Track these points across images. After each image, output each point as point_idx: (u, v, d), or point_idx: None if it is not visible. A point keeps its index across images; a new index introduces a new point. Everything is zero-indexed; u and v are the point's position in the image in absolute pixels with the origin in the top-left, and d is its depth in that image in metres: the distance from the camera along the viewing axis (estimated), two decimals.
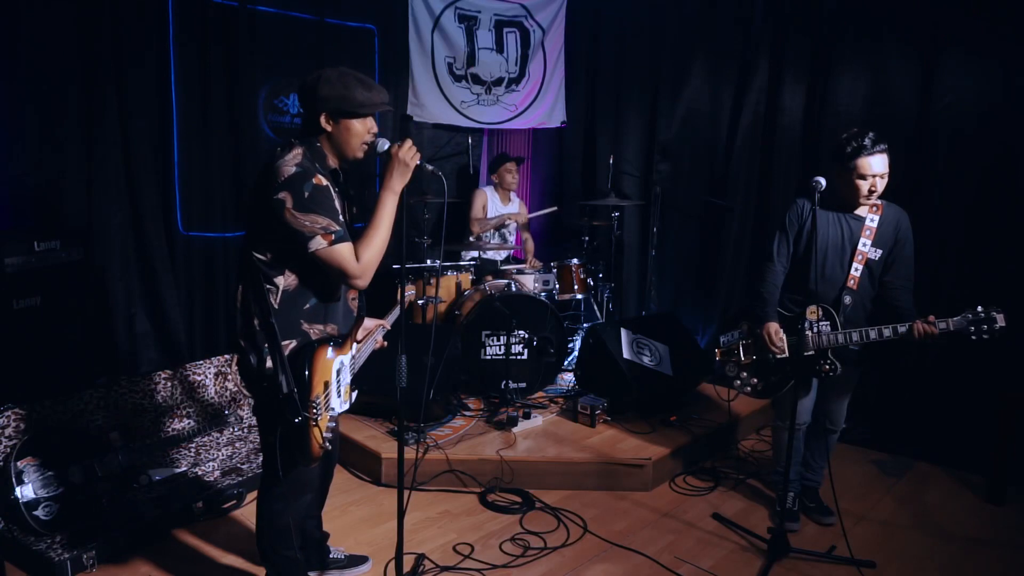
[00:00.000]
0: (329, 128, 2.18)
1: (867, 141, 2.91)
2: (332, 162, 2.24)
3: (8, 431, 2.98)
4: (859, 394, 4.26)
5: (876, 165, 2.93)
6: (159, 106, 3.95)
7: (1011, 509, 3.47)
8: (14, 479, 2.75)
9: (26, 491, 2.77)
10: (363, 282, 2.17)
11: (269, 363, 2.13)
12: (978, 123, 3.91)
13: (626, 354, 4.13)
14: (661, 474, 3.65)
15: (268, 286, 2.15)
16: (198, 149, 4.10)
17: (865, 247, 3.04)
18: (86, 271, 3.51)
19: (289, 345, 2.17)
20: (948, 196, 4.03)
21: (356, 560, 2.81)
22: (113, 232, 3.78)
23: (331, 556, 2.76)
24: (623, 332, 4.23)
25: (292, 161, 2.10)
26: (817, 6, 4.47)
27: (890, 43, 4.20)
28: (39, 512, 2.77)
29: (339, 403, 2.27)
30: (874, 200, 3.01)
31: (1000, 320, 2.78)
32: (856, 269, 3.03)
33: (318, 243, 2.07)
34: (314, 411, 2.14)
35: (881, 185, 2.96)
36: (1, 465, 2.81)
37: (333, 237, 2.08)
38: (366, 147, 2.23)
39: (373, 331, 2.55)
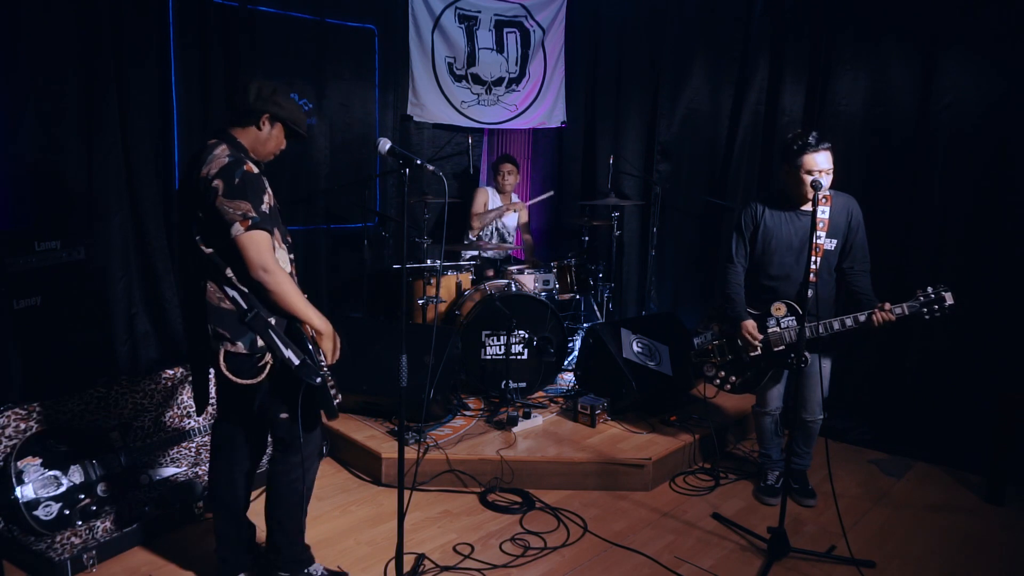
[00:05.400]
0: (263, 128, 2.38)
1: (811, 139, 3.08)
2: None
3: (8, 431, 2.98)
4: (859, 394, 4.32)
5: (820, 161, 3.07)
6: (160, 106, 3.95)
7: (1011, 509, 3.47)
8: (14, 479, 2.75)
9: (26, 491, 2.77)
10: (263, 276, 2.22)
11: (260, 341, 2.26)
12: (978, 123, 3.91)
13: (626, 354, 4.13)
14: (661, 474, 3.65)
15: (231, 275, 2.26)
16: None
17: (820, 239, 3.15)
18: (86, 271, 3.51)
19: (272, 319, 2.30)
20: (948, 195, 4.03)
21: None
22: (113, 232, 3.78)
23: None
24: (623, 332, 4.23)
25: (223, 154, 2.25)
26: (817, 6, 4.47)
27: (890, 43, 4.20)
28: (39, 512, 2.77)
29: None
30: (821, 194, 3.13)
31: (949, 298, 2.99)
32: (815, 262, 3.08)
33: (237, 229, 2.18)
34: (324, 369, 2.34)
35: (826, 181, 3.08)
36: (1, 465, 2.82)
37: (250, 223, 2.18)
38: (274, 156, 2.46)
39: None
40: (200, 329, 2.30)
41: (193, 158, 2.32)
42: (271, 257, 2.23)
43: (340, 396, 2.42)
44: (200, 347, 2.33)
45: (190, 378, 3.65)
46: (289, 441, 2.43)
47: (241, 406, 2.43)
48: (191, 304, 2.35)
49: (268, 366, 2.30)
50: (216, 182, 2.18)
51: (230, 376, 2.28)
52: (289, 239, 2.46)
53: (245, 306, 2.26)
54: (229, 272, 2.26)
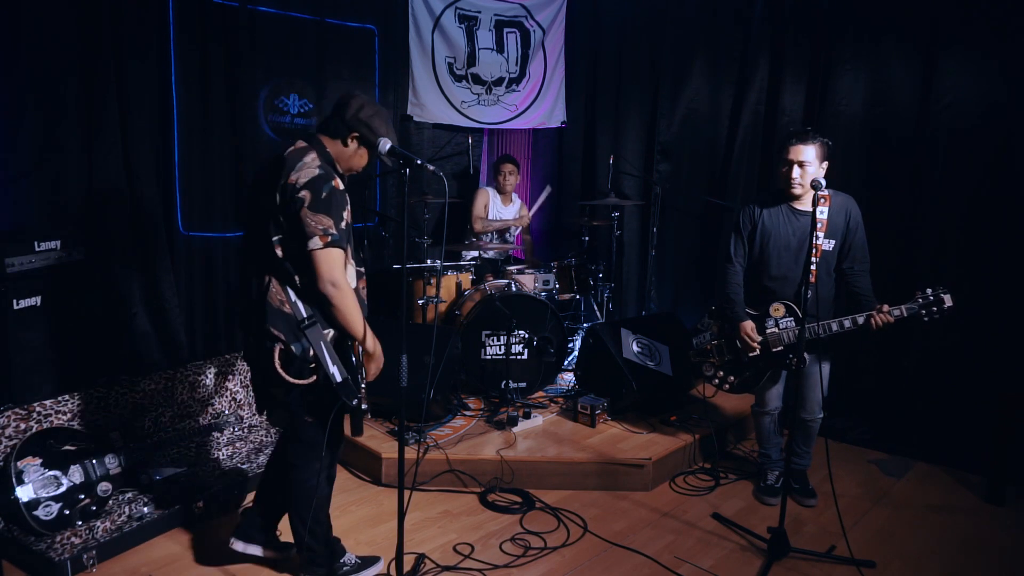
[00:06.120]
0: (350, 146, 2.40)
1: (795, 129, 3.18)
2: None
3: (8, 431, 2.98)
4: (859, 394, 4.32)
5: (797, 152, 3.12)
6: (160, 106, 3.95)
7: (1011, 509, 3.47)
8: (14, 479, 2.75)
9: (26, 491, 2.77)
10: (330, 290, 2.26)
11: (312, 351, 2.31)
12: (978, 123, 3.91)
13: (626, 354, 4.13)
14: (661, 474, 3.65)
15: (296, 278, 2.31)
16: (198, 149, 4.10)
17: (819, 240, 3.15)
18: (86, 271, 3.51)
19: (329, 333, 2.36)
20: (947, 195, 4.03)
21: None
22: (113, 232, 3.78)
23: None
24: (623, 332, 4.23)
25: (313, 164, 2.27)
26: (817, 6, 4.47)
27: (890, 43, 4.20)
28: (39, 512, 2.77)
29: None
30: (796, 188, 3.17)
31: (948, 300, 3.00)
32: (813, 264, 3.09)
33: (315, 243, 2.22)
34: (363, 391, 2.41)
35: (798, 172, 3.13)
36: (1, 465, 2.82)
37: (329, 239, 2.22)
38: (357, 172, 2.51)
39: None
40: (256, 326, 2.36)
41: (277, 158, 2.33)
42: (342, 274, 2.27)
43: (370, 415, 2.52)
44: (255, 342, 2.39)
45: (190, 378, 3.67)
46: (310, 444, 2.48)
47: (283, 400, 2.49)
48: (251, 301, 2.39)
49: (316, 373, 2.36)
50: (303, 193, 2.21)
51: (282, 373, 2.33)
52: (361, 254, 2.49)
53: (304, 315, 2.31)
54: (297, 279, 2.31)
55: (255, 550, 2.73)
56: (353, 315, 2.31)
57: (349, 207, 2.35)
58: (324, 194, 2.22)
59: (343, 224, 2.28)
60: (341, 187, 2.30)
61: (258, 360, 2.42)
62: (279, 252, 2.29)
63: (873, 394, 4.32)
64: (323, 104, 4.68)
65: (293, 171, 2.25)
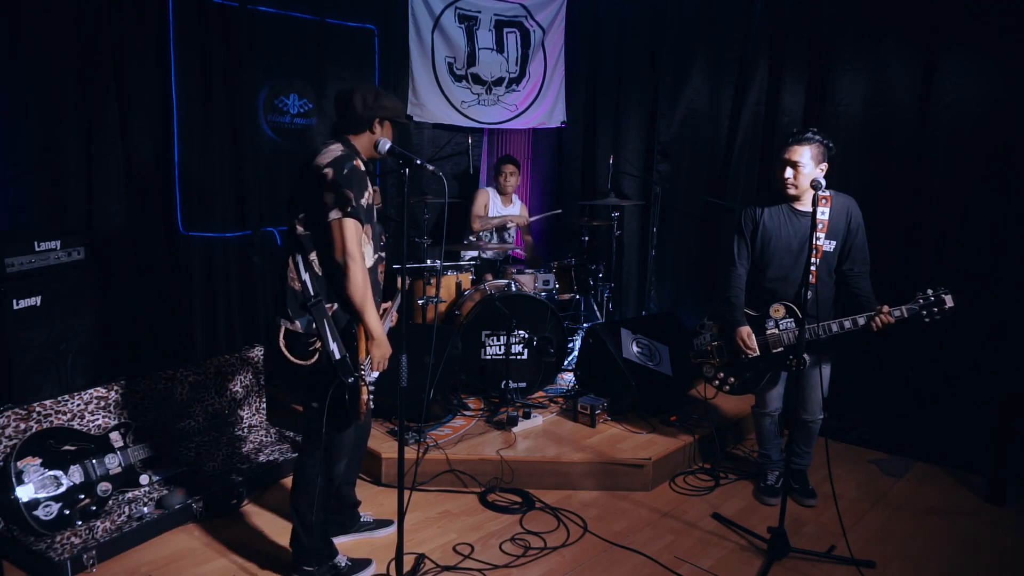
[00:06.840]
0: (377, 130, 2.58)
1: (795, 130, 3.22)
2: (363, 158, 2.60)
3: (8, 431, 2.98)
4: (859, 394, 4.32)
5: (791, 152, 3.15)
6: (159, 106, 3.95)
7: (1011, 509, 3.47)
8: (14, 479, 2.76)
9: (26, 491, 2.77)
10: (345, 259, 2.39)
11: (315, 325, 2.42)
12: (978, 123, 3.91)
13: (626, 354, 4.13)
14: (661, 474, 3.65)
15: (312, 258, 2.45)
16: (198, 149, 4.10)
17: (819, 240, 3.15)
18: (86, 271, 3.51)
19: (332, 308, 2.46)
20: (947, 196, 4.03)
21: (382, 523, 3.09)
22: (113, 232, 3.78)
23: (361, 520, 3.05)
24: (623, 332, 4.23)
25: (336, 150, 2.47)
26: (817, 6, 4.47)
27: (890, 43, 4.20)
28: (39, 512, 2.77)
29: (373, 374, 2.55)
30: (790, 188, 3.18)
31: (949, 301, 2.99)
32: (814, 264, 3.09)
33: (335, 214, 2.38)
34: (363, 372, 2.46)
35: (791, 173, 3.15)
36: (1, 465, 2.82)
37: (348, 210, 2.38)
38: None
39: (390, 309, 2.77)
40: (272, 302, 2.49)
41: (310, 155, 2.52)
42: (357, 246, 2.40)
43: (373, 404, 2.51)
44: (269, 318, 2.49)
45: (190, 378, 3.66)
46: (315, 430, 2.53)
47: (296, 385, 2.55)
48: (277, 282, 2.55)
49: (318, 352, 2.44)
50: (327, 170, 2.39)
51: (286, 353, 2.44)
52: (383, 239, 2.63)
53: (311, 292, 2.43)
54: (312, 255, 2.44)
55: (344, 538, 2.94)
56: (361, 288, 2.40)
57: (371, 190, 2.48)
58: (345, 171, 2.38)
59: (363, 201, 2.42)
60: (362, 168, 2.46)
61: (269, 337, 2.49)
62: (299, 229, 2.45)
63: (873, 394, 4.32)
64: (323, 104, 4.68)
65: (319, 156, 2.45)
